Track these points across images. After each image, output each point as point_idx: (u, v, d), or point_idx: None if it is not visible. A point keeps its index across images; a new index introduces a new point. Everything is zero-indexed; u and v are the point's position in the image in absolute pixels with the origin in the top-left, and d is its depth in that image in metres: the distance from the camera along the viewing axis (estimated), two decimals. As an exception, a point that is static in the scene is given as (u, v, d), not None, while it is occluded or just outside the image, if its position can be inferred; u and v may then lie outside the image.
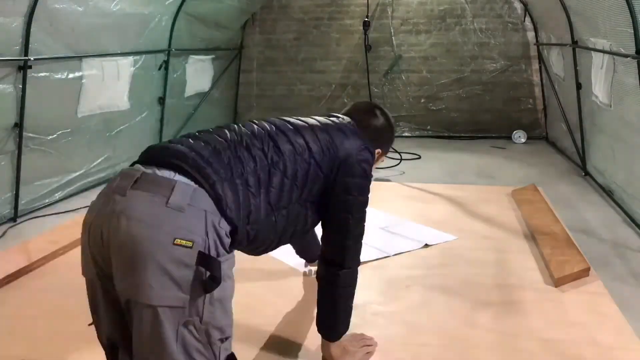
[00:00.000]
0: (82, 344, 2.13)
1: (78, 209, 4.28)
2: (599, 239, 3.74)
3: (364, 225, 1.90)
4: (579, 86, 5.41)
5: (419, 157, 6.34)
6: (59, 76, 4.38)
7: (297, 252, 2.61)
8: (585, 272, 2.72)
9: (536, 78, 7.45)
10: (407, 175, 5.46)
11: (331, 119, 1.94)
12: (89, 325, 1.59)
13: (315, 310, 1.98)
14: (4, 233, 3.84)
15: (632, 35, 3.68)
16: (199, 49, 6.67)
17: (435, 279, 2.77)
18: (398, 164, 5.85)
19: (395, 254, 3.07)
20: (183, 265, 1.36)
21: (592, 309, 2.44)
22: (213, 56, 7.09)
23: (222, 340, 1.48)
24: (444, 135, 7.62)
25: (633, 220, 3.98)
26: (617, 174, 4.57)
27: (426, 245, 3.18)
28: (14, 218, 4.09)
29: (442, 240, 3.28)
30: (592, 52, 4.77)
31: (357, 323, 2.30)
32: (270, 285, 2.71)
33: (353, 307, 1.96)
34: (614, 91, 4.38)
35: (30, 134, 4.13)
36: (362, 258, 1.97)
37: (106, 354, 1.58)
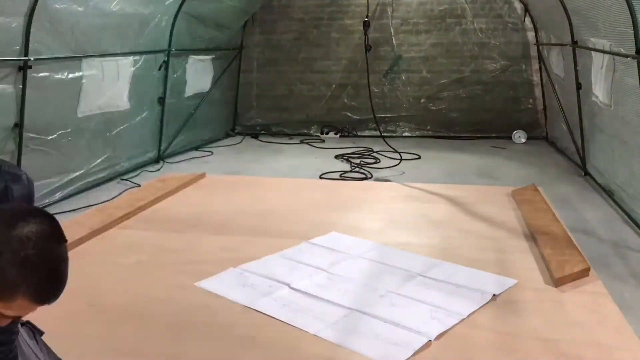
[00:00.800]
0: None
1: (78, 208, 4.28)
2: (599, 239, 3.74)
3: None
4: (579, 86, 5.41)
5: (419, 157, 6.34)
6: (59, 76, 4.38)
7: None
8: (585, 272, 2.72)
9: (536, 78, 7.45)
10: (407, 175, 5.45)
11: None
12: None
13: None
14: (4, 233, 3.83)
15: (632, 35, 3.68)
16: (199, 49, 6.67)
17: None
18: (398, 164, 5.84)
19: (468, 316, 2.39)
20: None
21: (592, 309, 2.44)
22: (213, 56, 7.09)
23: None
24: (444, 135, 7.61)
25: (633, 220, 3.98)
26: (617, 174, 4.57)
27: (494, 297, 2.55)
28: (14, 218, 4.07)
29: (505, 287, 2.65)
30: (592, 52, 4.77)
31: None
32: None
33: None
34: (614, 91, 4.38)
35: (30, 134, 4.13)
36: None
37: None
